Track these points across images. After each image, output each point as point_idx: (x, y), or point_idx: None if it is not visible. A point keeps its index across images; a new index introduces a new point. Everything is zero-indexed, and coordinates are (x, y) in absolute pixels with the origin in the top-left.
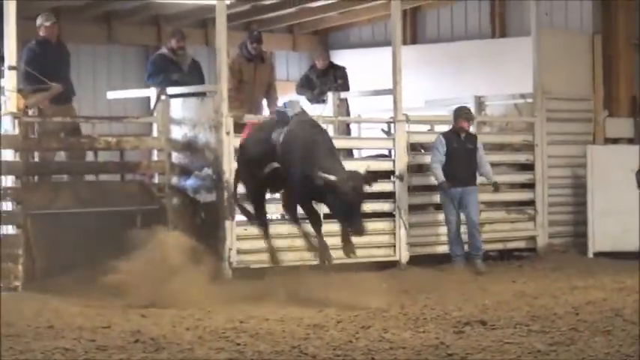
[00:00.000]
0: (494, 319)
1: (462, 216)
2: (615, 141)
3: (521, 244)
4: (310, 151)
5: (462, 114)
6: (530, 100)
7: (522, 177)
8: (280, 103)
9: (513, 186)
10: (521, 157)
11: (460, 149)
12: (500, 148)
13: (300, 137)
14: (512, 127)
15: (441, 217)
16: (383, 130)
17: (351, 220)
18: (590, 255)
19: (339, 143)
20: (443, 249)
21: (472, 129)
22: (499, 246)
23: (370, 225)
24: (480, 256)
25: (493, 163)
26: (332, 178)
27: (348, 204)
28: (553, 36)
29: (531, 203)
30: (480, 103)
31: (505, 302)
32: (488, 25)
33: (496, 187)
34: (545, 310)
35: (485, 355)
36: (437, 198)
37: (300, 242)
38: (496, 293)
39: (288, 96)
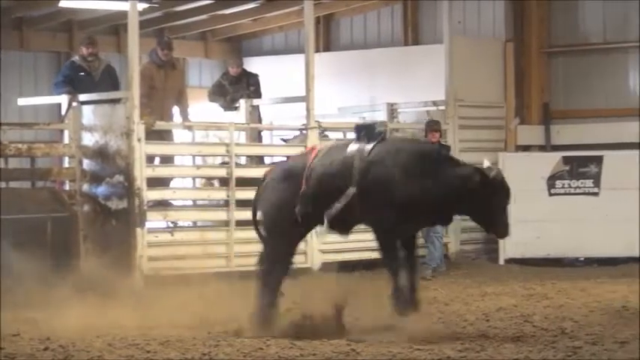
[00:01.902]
0: (405, 325)
1: None
2: (527, 148)
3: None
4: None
5: (430, 127)
6: (442, 108)
7: None
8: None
9: None
10: None
11: None
12: None
13: (407, 148)
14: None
15: None
16: (282, 139)
17: (501, 221)
18: (501, 262)
19: (251, 150)
20: (356, 256)
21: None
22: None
23: None
24: (435, 265)
25: None
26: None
27: (504, 201)
28: (465, 43)
29: None
30: (392, 110)
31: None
32: (401, 33)
33: None
34: (456, 317)
35: None
36: None
37: (214, 249)
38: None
39: (199, 103)
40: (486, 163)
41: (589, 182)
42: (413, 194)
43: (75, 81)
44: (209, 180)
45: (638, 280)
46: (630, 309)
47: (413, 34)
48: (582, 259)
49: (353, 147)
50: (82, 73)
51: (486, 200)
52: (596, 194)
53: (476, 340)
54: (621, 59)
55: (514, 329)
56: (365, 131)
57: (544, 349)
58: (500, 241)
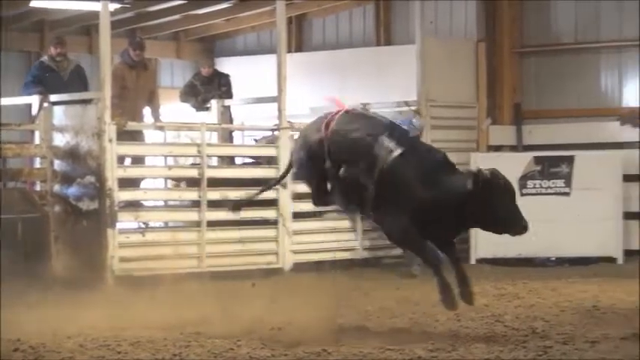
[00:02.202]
0: (376, 325)
1: None
2: (498, 148)
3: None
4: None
5: None
6: (414, 108)
7: None
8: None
9: None
10: None
11: None
12: None
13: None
14: None
15: (327, 224)
16: (254, 139)
17: (515, 217)
18: (473, 262)
19: (222, 151)
20: (328, 256)
21: None
22: (384, 253)
23: (253, 232)
24: (417, 262)
25: None
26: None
27: (509, 198)
28: (437, 44)
29: None
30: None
31: (388, 309)
32: (374, 33)
33: None
34: (427, 317)
35: None
36: None
37: (185, 249)
38: (379, 299)
39: (171, 103)
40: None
41: (560, 182)
42: (425, 207)
43: (43, 81)
44: (177, 181)
45: (639, 279)
46: (601, 308)
47: (385, 35)
48: (554, 258)
49: (383, 140)
50: (50, 73)
51: (492, 201)
52: (567, 194)
53: (447, 340)
54: (593, 59)
55: (485, 329)
56: (397, 133)
57: (515, 349)
58: (472, 241)
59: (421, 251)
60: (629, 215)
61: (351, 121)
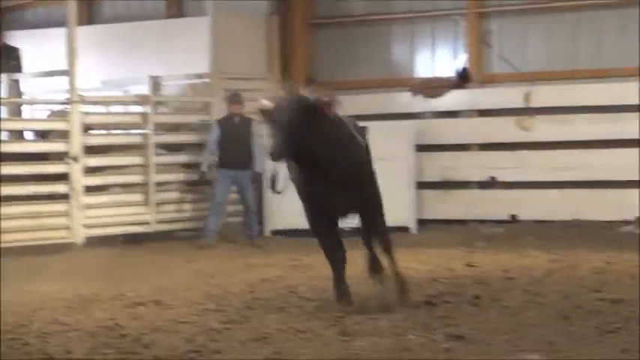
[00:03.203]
0: (169, 298)
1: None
2: None
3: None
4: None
5: (231, 99)
6: (206, 80)
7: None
8: None
9: (190, 166)
10: (198, 138)
11: (233, 133)
12: (177, 128)
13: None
14: (189, 107)
15: (120, 198)
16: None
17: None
18: (267, 233)
19: (12, 125)
20: (121, 230)
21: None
22: (177, 226)
23: (44, 207)
24: (255, 235)
25: (171, 143)
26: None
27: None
28: (229, 16)
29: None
30: (155, 83)
31: (181, 282)
32: (165, 6)
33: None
34: (221, 289)
35: (159, 335)
36: (116, 179)
37: None
38: (173, 273)
39: None
40: None
41: None
42: None
43: None
44: None
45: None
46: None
47: (177, 7)
48: (348, 229)
49: None
50: None
51: None
52: None
53: (241, 312)
54: (385, 31)
55: (279, 300)
56: None
57: (309, 319)
58: (266, 213)
59: (322, 249)
60: (421, 185)
61: None
